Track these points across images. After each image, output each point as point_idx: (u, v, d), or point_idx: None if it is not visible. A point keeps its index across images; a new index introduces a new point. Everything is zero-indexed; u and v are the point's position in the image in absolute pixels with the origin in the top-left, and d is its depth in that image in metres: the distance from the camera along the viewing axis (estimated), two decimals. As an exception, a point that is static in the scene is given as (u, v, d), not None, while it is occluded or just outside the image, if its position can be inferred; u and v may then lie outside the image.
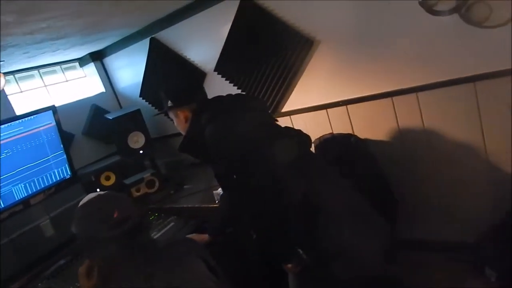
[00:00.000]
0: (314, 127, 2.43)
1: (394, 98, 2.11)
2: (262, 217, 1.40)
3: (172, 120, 1.71)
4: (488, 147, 1.94)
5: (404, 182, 2.22)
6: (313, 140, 2.28)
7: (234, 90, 2.68)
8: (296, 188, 1.35)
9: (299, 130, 1.96)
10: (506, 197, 1.92)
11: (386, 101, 2.14)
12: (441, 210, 2.18)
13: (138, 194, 2.49)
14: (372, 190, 1.99)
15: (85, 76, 3.46)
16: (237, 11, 2.41)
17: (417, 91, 2.02)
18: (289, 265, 1.43)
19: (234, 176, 1.38)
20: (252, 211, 1.44)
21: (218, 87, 2.75)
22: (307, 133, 1.91)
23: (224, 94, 1.75)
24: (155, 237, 2.00)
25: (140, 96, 3.30)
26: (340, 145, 2.15)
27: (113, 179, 2.62)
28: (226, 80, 2.72)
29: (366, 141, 2.23)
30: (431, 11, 1.84)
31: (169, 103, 1.60)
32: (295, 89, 2.46)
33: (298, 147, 1.58)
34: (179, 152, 1.54)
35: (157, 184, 2.58)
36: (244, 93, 1.63)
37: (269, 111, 1.71)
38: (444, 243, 2.23)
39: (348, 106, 2.28)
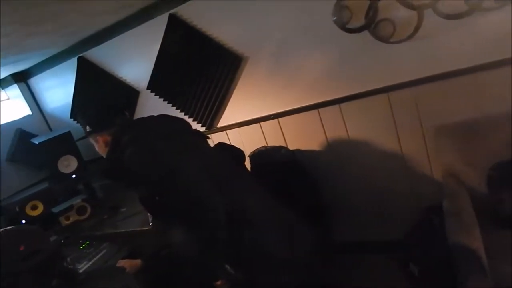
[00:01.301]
0: (250, 140, 2.48)
1: (320, 109, 2.22)
2: (189, 237, 1.39)
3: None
4: (404, 151, 2.10)
5: (334, 188, 2.33)
6: (248, 153, 2.33)
7: (168, 107, 2.66)
8: (221, 205, 1.36)
9: (232, 146, 1.99)
10: (423, 196, 2.09)
11: (313, 113, 2.24)
12: (370, 212, 2.31)
13: (67, 222, 2.34)
14: (302, 198, 2.07)
15: (8, 99, 3.22)
16: (166, 29, 2.41)
17: (339, 102, 2.15)
18: (219, 282, 1.43)
19: (157, 198, 1.36)
20: (179, 232, 1.42)
21: (152, 105, 2.72)
22: (239, 148, 1.95)
23: (155, 114, 1.72)
24: (85, 266, 1.89)
25: (71, 117, 3.15)
26: (271, 157, 2.21)
27: (40, 209, 2.44)
28: (160, 98, 2.69)
29: (296, 152, 2.32)
30: (345, 28, 1.98)
31: (88, 129, 1.55)
32: (229, 105, 2.50)
33: (224, 164, 1.60)
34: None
35: (89, 210, 2.45)
36: (166, 114, 1.61)
37: (196, 131, 1.70)
38: (376, 243, 2.36)
39: (280, 119, 2.36)
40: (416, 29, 1.84)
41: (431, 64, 1.87)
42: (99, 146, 1.56)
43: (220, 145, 1.95)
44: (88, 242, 2.15)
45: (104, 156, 1.55)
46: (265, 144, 2.43)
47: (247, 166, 2.19)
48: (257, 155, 2.28)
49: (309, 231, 1.59)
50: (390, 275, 2.06)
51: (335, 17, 1.97)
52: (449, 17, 1.77)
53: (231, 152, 1.89)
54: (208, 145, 1.78)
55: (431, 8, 1.78)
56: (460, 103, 1.87)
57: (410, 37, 1.86)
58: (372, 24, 1.91)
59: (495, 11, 1.68)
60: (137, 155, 1.35)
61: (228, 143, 2.50)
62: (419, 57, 1.88)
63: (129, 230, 2.14)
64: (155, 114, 1.63)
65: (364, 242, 2.39)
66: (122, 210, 2.49)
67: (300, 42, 2.11)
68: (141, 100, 2.80)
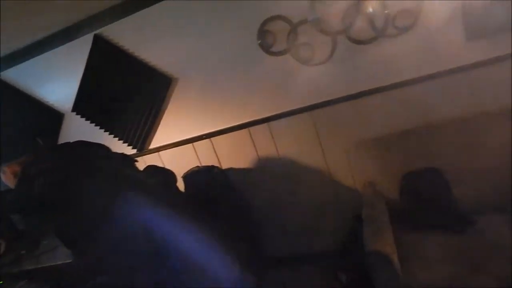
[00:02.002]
0: (183, 161, 2.46)
1: (250, 128, 2.29)
2: (109, 268, 1.32)
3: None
4: (329, 165, 2.24)
5: (267, 204, 2.40)
6: (182, 174, 2.31)
7: (95, 130, 2.55)
8: (142, 234, 1.32)
9: (162, 168, 1.96)
10: (349, 207, 2.22)
11: (244, 132, 2.30)
12: (302, 225, 2.41)
13: (-25, 262, 2.10)
14: (235, 216, 2.10)
15: None
16: (91, 49, 2.33)
17: (268, 121, 2.24)
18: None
19: (71, 230, 1.29)
20: (99, 264, 1.35)
21: (78, 128, 2.59)
22: (170, 170, 1.92)
23: (81, 137, 1.63)
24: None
25: (-17, 144, 2.86)
26: (204, 178, 2.21)
27: None
28: (86, 120, 2.57)
29: (229, 170, 2.35)
30: (269, 51, 2.09)
31: (-9, 159, 1.42)
32: (161, 125, 2.46)
33: (151, 188, 1.56)
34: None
35: (3, 245, 2.22)
36: (84, 140, 1.53)
37: (119, 155, 1.64)
38: (308, 255, 2.45)
39: (212, 139, 2.38)
40: (331, 53, 2.00)
41: (346, 84, 2.03)
42: (7, 177, 1.43)
43: (150, 168, 1.90)
44: (1, 282, 1.93)
45: (13, 188, 1.43)
46: (199, 164, 2.43)
47: (180, 187, 2.17)
48: (190, 176, 2.27)
49: (241, 251, 1.60)
50: (322, 284, 2.15)
51: (260, 41, 2.07)
52: (359, 42, 1.95)
53: (162, 175, 1.86)
54: (135, 169, 1.73)
55: (343, 34, 1.96)
56: (374, 119, 2.06)
57: (327, 59, 2.02)
58: (293, 47, 2.05)
59: (396, 38, 1.89)
60: (49, 187, 1.27)
61: (160, 165, 2.47)
62: (335, 77, 2.04)
63: (51, 264, 1.97)
64: (73, 140, 1.55)
65: (296, 254, 2.47)
66: (44, 242, 2.29)
67: (229, 64, 2.17)
68: (65, 123, 2.64)
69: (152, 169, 1.90)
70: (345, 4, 1.89)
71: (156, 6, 2.13)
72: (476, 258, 1.50)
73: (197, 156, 2.45)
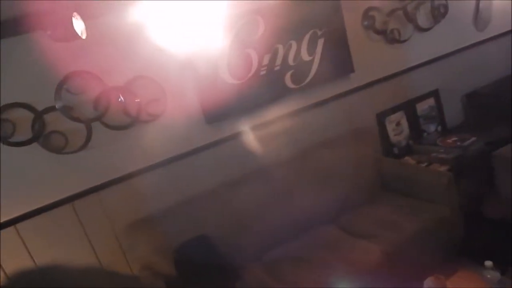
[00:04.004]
0: None
1: (-11, 235, 1.82)
2: None
3: None
4: (101, 257, 2.04)
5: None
6: None
7: None
8: None
9: None
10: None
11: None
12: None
13: None
14: None
15: None
16: None
17: (15, 222, 1.85)
18: None
19: None
20: None
21: None
22: None
23: None
24: None
25: None
26: None
27: None
28: None
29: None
30: (8, 142, 1.81)
31: None
32: None
33: None
34: None
35: None
36: None
37: None
38: None
39: None
40: (88, 140, 1.94)
41: (106, 169, 2.01)
42: None
43: None
44: None
45: None
46: None
47: None
48: None
49: None
50: None
51: (-6, 131, 1.77)
52: (115, 128, 2.01)
53: None
54: None
55: (98, 121, 1.96)
56: (140, 200, 2.08)
57: (83, 147, 1.94)
58: (40, 136, 1.86)
59: (150, 123, 2.07)
60: None
61: None
62: (94, 164, 1.98)
63: None
64: None
65: None
66: None
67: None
68: None
69: None
70: (94, 93, 1.93)
71: None
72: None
73: None
